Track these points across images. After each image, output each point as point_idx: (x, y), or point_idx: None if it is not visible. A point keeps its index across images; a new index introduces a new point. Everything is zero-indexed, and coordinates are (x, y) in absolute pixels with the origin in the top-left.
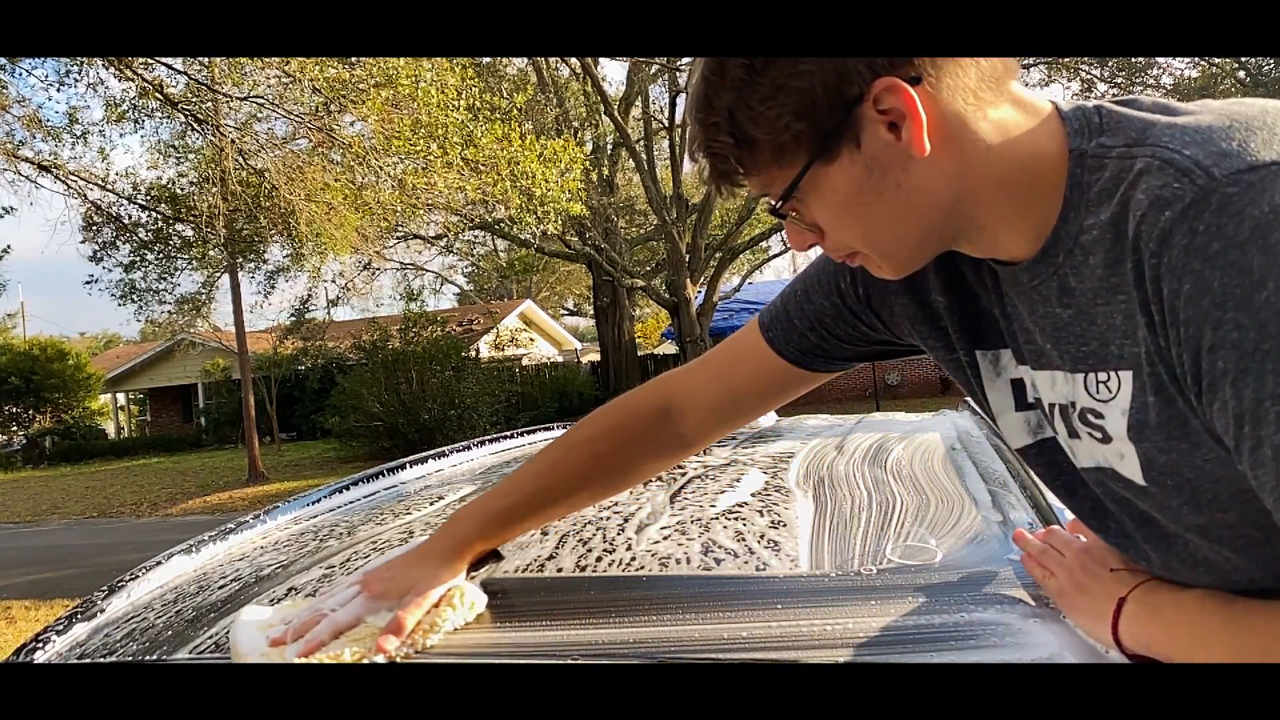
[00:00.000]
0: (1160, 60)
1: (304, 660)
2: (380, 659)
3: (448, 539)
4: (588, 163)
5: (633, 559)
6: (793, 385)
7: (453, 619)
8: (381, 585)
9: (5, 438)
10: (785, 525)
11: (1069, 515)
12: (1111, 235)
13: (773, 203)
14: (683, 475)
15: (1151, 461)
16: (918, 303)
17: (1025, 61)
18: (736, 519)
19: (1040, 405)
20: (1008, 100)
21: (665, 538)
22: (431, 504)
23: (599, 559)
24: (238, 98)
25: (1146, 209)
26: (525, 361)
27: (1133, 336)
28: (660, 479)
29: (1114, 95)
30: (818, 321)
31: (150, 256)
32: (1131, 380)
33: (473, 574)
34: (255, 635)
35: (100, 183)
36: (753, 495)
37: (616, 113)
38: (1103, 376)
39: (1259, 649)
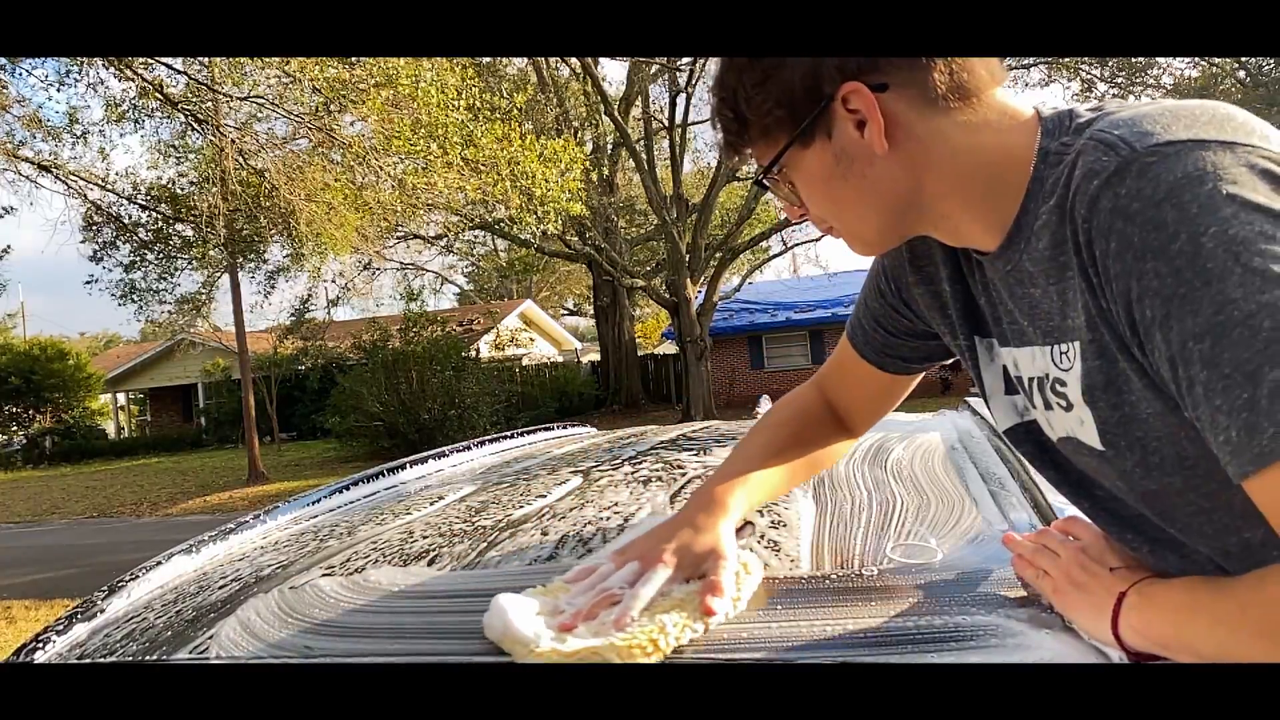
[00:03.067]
0: (1160, 60)
1: (619, 637)
2: (698, 627)
3: (717, 506)
4: (588, 163)
5: None
6: (893, 387)
7: (750, 584)
8: (675, 555)
9: (5, 438)
10: (786, 525)
11: (1067, 515)
12: (1057, 217)
13: (759, 175)
14: (682, 475)
15: (1105, 423)
16: (931, 292)
17: (1025, 61)
18: None
19: (1022, 385)
20: (985, 106)
21: None
22: (431, 504)
23: None
24: (238, 98)
25: (1080, 181)
26: (525, 361)
27: (1076, 307)
28: (660, 479)
29: (1114, 95)
30: (878, 323)
31: (150, 256)
32: (1079, 349)
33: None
34: (537, 620)
35: (100, 182)
36: None
37: (616, 113)
38: (1064, 348)
39: (1235, 608)
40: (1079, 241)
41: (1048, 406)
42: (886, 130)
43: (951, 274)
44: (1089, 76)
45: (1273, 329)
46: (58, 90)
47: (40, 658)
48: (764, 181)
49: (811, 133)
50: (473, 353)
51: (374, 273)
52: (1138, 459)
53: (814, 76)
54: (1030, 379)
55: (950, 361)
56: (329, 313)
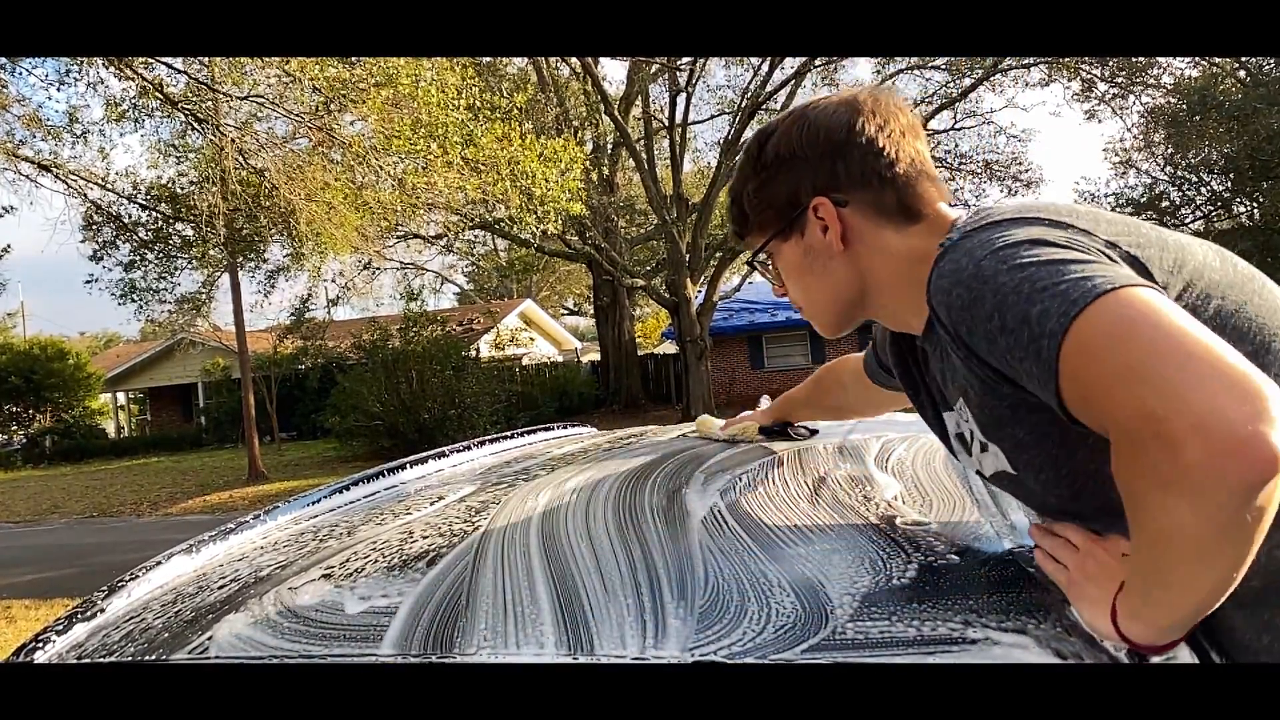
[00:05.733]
0: (1160, 60)
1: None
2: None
3: (761, 411)
4: (588, 162)
5: None
6: (881, 395)
7: (717, 424)
8: (751, 418)
9: (5, 437)
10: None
11: None
12: None
13: (750, 258)
14: None
15: (1009, 451)
16: (901, 370)
17: (1025, 61)
18: None
19: (962, 441)
20: (927, 218)
21: None
22: (431, 504)
23: None
24: (238, 97)
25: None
26: (525, 361)
27: (957, 368)
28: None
29: (1114, 95)
30: (881, 352)
31: (150, 256)
32: (964, 401)
33: (769, 429)
34: (716, 426)
35: (100, 182)
36: None
37: (616, 112)
38: (959, 405)
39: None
40: (934, 313)
41: (972, 452)
42: (843, 235)
43: (912, 359)
44: (1089, 76)
45: (1030, 287)
46: (58, 90)
47: (40, 658)
48: (754, 264)
49: (790, 230)
50: (473, 352)
51: (374, 272)
52: (1042, 477)
53: (795, 190)
54: (958, 435)
55: None
56: (329, 312)
